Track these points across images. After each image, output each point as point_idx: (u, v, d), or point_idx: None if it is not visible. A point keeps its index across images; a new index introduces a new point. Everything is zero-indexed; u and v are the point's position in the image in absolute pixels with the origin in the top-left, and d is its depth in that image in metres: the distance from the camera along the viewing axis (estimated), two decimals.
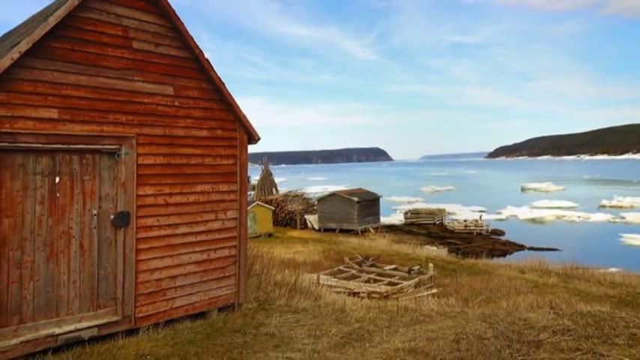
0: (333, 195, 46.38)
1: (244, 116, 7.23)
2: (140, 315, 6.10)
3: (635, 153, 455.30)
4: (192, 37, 6.52)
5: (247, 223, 7.40)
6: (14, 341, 5.10)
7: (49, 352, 5.28)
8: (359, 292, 17.88)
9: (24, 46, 5.02)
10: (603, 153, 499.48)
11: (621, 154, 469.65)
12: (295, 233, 44.51)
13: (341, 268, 24.35)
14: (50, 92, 5.34)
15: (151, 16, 6.20)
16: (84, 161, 5.71)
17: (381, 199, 49.04)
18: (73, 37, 5.52)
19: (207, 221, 6.82)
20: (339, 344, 5.77)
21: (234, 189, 7.17)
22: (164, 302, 6.35)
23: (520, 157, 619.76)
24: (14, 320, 5.18)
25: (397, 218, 55.62)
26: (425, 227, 49.67)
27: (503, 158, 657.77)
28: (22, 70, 5.13)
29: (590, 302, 12.24)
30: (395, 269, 24.34)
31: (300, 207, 50.65)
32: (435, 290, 18.85)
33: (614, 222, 52.58)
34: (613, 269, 24.76)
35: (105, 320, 5.80)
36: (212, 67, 6.77)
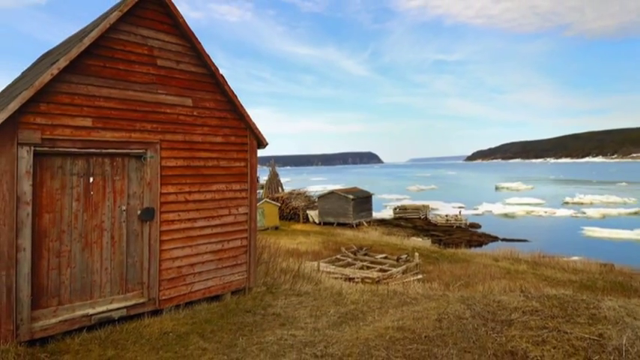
0: (331, 193, 46.30)
1: (254, 124, 7.23)
2: (163, 297, 6.10)
3: (594, 156, 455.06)
4: (208, 56, 6.52)
5: (257, 218, 7.39)
6: (54, 320, 5.12)
7: (84, 330, 5.29)
8: (354, 278, 17.84)
9: (62, 63, 5.04)
10: (567, 157, 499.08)
11: (582, 157, 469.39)
12: (298, 226, 44.45)
13: (338, 256, 24.31)
14: (85, 103, 5.35)
15: (173, 37, 6.21)
16: (114, 163, 5.72)
17: (373, 196, 48.94)
18: (105, 56, 5.52)
19: (221, 216, 6.83)
20: (336, 323, 5.77)
21: (245, 188, 7.17)
22: (184, 286, 6.35)
23: (494, 160, 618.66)
24: (54, 302, 5.19)
25: (387, 213, 55.48)
26: (411, 221, 49.55)
27: (479, 161, 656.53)
28: (61, 84, 5.14)
29: (555, 286, 12.23)
30: (385, 258, 24.31)
31: (303, 203, 50.57)
32: (420, 276, 18.82)
33: (576, 217, 52.50)
34: (575, 258, 24.74)
35: (133, 302, 5.81)
36: (226, 82, 6.77)
